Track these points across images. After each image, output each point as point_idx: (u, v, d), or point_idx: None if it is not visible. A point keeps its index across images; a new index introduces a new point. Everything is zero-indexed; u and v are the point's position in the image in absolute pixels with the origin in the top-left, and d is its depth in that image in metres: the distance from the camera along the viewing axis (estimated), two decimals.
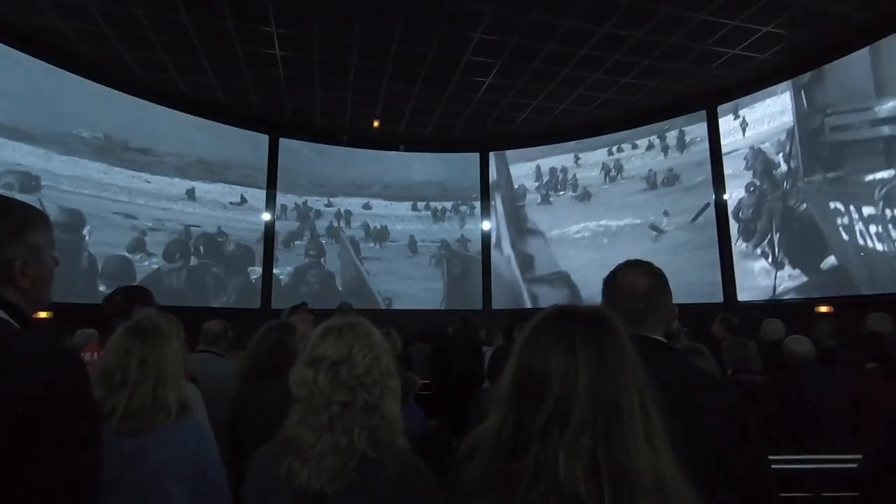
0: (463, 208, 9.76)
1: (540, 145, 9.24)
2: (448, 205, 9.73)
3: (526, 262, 9.30)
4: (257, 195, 8.55)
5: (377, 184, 9.41)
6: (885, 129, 5.76)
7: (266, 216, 8.62)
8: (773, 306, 6.57)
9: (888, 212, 5.65)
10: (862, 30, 5.81)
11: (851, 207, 6.01)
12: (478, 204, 9.75)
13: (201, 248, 7.80)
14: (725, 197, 7.49)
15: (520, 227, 9.49)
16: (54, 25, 5.72)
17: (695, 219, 7.83)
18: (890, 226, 5.63)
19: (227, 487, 1.53)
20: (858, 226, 5.94)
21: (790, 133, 6.77)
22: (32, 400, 0.84)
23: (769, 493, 1.17)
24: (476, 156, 9.74)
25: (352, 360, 1.15)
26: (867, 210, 5.86)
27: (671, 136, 8.19)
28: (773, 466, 1.22)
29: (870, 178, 5.86)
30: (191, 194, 7.65)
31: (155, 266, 7.25)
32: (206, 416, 1.94)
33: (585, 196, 9.00)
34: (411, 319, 8.30)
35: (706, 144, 7.78)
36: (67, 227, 6.22)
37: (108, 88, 6.73)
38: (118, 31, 5.88)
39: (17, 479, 0.80)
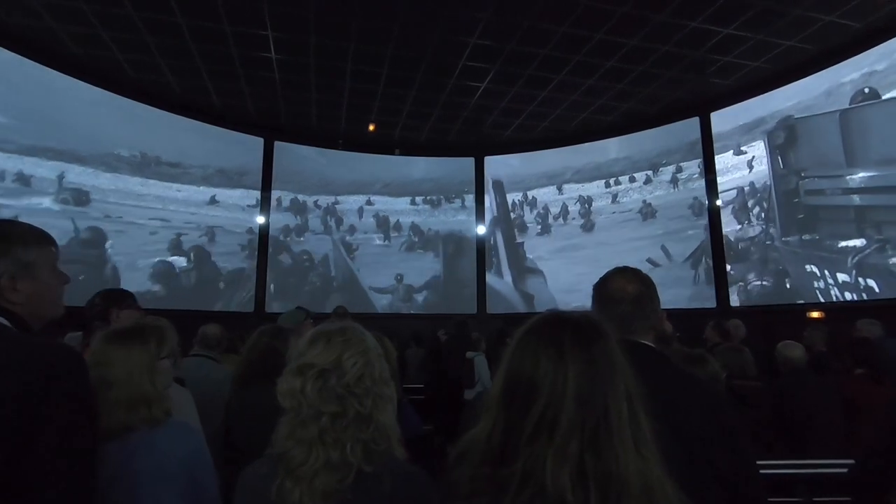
0: (463, 206, 9.76)
1: (535, 150, 9.25)
2: (446, 207, 9.73)
3: (526, 300, 9.25)
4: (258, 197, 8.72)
5: (378, 182, 9.58)
6: (856, 199, 5.83)
7: (260, 220, 8.58)
8: (767, 312, 6.61)
9: (861, 281, 5.67)
10: (854, 39, 5.87)
11: (826, 272, 6.06)
12: (473, 208, 9.75)
13: (206, 251, 8.00)
14: (718, 203, 7.52)
15: (519, 263, 9.45)
16: (48, 27, 5.69)
17: (689, 258, 7.78)
18: (864, 295, 5.64)
19: (219, 494, 1.51)
20: (834, 291, 5.98)
21: (766, 189, 6.82)
22: (35, 395, 0.91)
23: (757, 495, 1.18)
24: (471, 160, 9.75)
25: (341, 368, 1.07)
26: (842, 276, 5.89)
27: (667, 171, 8.21)
28: (765, 472, 1.22)
29: (843, 244, 5.91)
30: (213, 199, 8.34)
31: (171, 268, 7.60)
32: (199, 421, 1.92)
33: (587, 227, 8.98)
34: (406, 323, 8.29)
35: (702, 181, 7.75)
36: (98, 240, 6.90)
37: (146, 107, 7.33)
38: (112, 34, 5.86)
39: (22, 469, 0.89)
